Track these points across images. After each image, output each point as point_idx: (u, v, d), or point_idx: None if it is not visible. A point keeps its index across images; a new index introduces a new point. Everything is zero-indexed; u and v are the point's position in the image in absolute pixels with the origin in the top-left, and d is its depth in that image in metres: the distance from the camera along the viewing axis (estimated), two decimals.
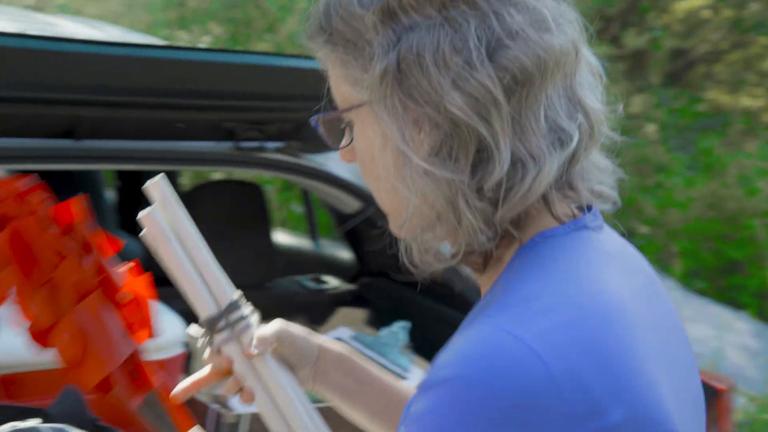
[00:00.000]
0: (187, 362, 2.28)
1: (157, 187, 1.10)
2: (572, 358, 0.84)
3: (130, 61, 2.25)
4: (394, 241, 0.97)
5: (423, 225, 0.92)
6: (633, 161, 7.19)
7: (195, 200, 3.04)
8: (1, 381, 1.82)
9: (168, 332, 2.14)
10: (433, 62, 0.88)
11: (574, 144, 0.91)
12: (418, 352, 2.51)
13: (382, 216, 1.00)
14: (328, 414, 1.92)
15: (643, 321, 0.93)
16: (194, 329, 1.11)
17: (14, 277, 0.99)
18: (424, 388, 0.85)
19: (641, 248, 6.36)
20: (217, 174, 4.88)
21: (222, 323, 1.08)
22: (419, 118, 0.90)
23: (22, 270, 1.00)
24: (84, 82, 2.20)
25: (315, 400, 2.16)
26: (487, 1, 0.89)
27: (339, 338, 2.45)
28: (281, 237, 3.59)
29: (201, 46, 7.02)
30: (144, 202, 3.82)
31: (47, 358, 1.86)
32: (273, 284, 3.03)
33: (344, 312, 2.85)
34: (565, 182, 0.93)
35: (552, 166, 0.89)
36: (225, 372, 1.11)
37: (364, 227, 2.77)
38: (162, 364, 2.09)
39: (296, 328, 1.14)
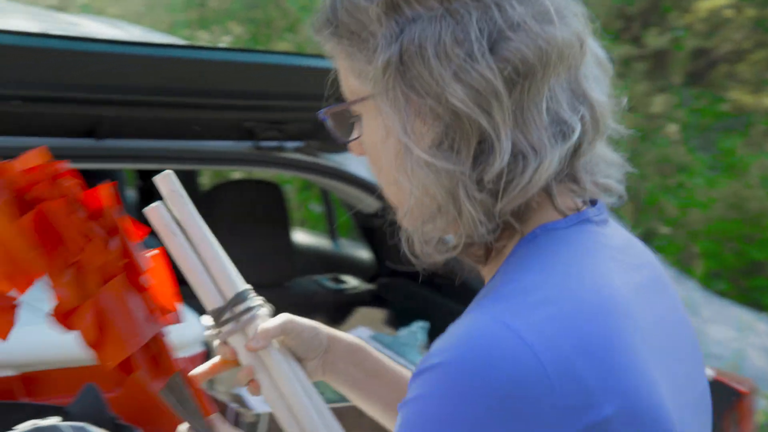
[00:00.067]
0: (205, 360, 2.28)
1: (165, 181, 1.12)
2: (565, 350, 0.84)
3: (151, 60, 2.26)
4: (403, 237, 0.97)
5: (424, 216, 0.93)
6: (654, 161, 7.16)
7: (215, 200, 3.05)
8: (21, 379, 1.83)
9: (187, 331, 2.15)
10: (435, 54, 0.88)
11: (576, 136, 0.91)
12: None
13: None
14: (342, 414, 1.92)
15: (645, 316, 0.92)
16: (205, 320, 1.12)
17: (41, 259, 1.00)
18: (416, 374, 0.86)
19: (662, 249, 6.33)
20: (237, 173, 4.90)
21: (227, 315, 1.09)
22: (421, 109, 0.90)
23: (49, 252, 1.01)
24: (105, 81, 2.21)
25: (329, 400, 2.16)
26: None
27: (358, 338, 2.45)
28: (300, 236, 3.59)
29: (221, 46, 7.04)
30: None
31: (67, 355, 1.88)
32: (292, 283, 3.04)
33: (363, 312, 2.85)
34: (568, 175, 0.93)
35: (553, 158, 0.89)
36: (234, 362, 1.13)
37: (383, 226, 2.77)
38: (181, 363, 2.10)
39: (303, 321, 1.14)
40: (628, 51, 7.88)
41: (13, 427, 1.57)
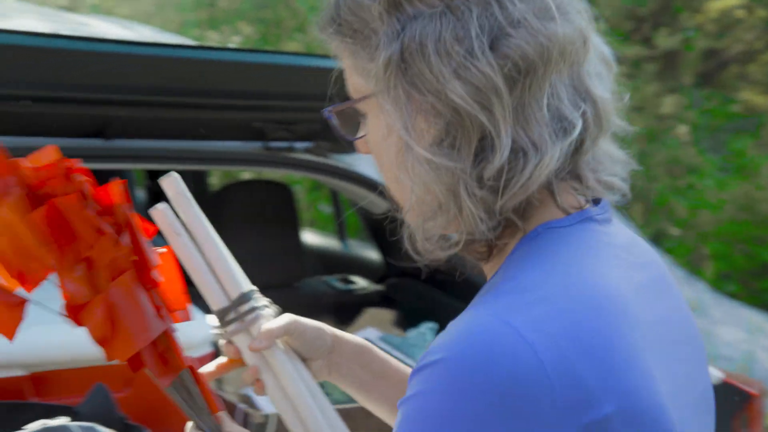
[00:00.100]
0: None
1: (169, 183, 1.13)
2: (564, 348, 0.84)
3: (160, 61, 2.26)
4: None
5: (426, 214, 0.93)
6: (664, 162, 7.14)
7: (224, 200, 3.06)
8: (31, 379, 1.84)
9: (197, 331, 2.15)
10: (435, 51, 0.89)
11: (576, 132, 0.91)
12: None
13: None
14: (350, 415, 1.92)
15: (646, 315, 0.92)
16: (211, 319, 1.13)
17: (52, 254, 1.00)
18: (416, 370, 0.86)
19: (671, 250, 6.32)
20: (247, 174, 4.90)
21: (231, 315, 1.10)
22: (422, 107, 0.90)
23: (60, 247, 1.01)
24: (115, 81, 2.22)
25: (337, 401, 2.16)
26: None
27: (367, 339, 2.45)
28: (309, 237, 3.59)
29: (231, 46, 7.05)
30: None
31: (77, 355, 1.88)
32: (301, 284, 3.04)
33: (372, 312, 2.85)
34: (570, 172, 0.93)
35: (554, 155, 0.89)
36: (241, 361, 1.13)
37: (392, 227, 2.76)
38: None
39: (307, 321, 1.14)
40: (638, 52, 7.87)
41: (23, 427, 1.57)
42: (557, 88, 0.90)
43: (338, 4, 0.94)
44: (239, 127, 2.47)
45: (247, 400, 2.21)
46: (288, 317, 1.13)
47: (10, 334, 1.02)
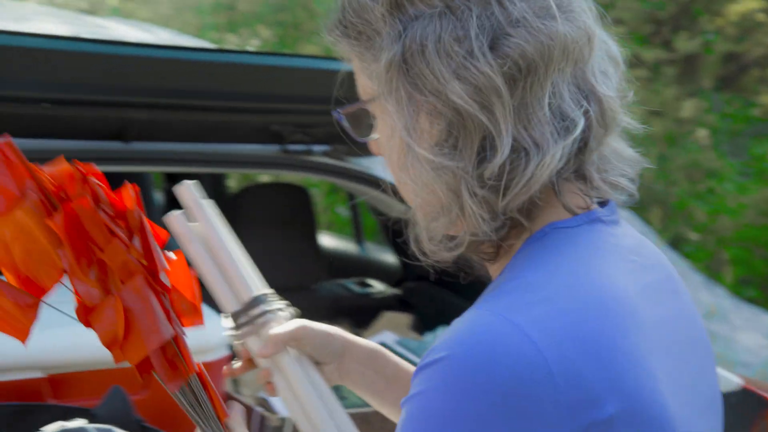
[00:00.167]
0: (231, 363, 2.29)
1: (183, 190, 1.16)
2: (568, 348, 0.83)
3: (179, 64, 2.26)
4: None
5: (430, 214, 0.93)
6: (684, 166, 7.10)
7: (242, 203, 3.06)
8: (48, 381, 1.84)
9: (212, 335, 2.15)
10: (435, 52, 0.89)
11: (578, 131, 0.90)
12: None
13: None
14: (367, 419, 1.91)
15: (652, 317, 0.92)
16: (225, 322, 1.15)
17: (66, 258, 1.01)
18: (419, 368, 0.86)
19: (691, 255, 6.28)
20: (264, 177, 4.91)
21: (243, 319, 1.12)
22: (424, 108, 0.90)
23: (75, 249, 1.01)
24: (134, 84, 2.22)
25: (352, 405, 2.16)
26: None
27: (383, 343, 2.45)
28: (327, 240, 3.59)
29: (249, 49, 7.07)
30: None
31: (94, 357, 1.88)
32: (318, 287, 3.04)
33: (389, 316, 2.84)
34: (576, 172, 0.93)
35: (556, 154, 0.89)
36: (253, 364, 1.15)
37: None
38: (207, 367, 2.10)
39: (316, 327, 1.15)
40: (658, 55, 7.83)
41: (40, 429, 1.57)
42: (559, 86, 0.90)
43: (344, 6, 0.95)
44: (257, 130, 2.47)
45: (264, 404, 2.21)
46: (297, 322, 1.13)
47: (23, 336, 1.02)
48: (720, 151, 7.39)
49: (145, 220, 1.06)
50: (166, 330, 1.02)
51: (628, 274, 0.93)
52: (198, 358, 2.12)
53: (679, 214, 6.80)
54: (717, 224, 6.67)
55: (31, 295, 1.02)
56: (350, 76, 0.99)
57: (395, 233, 2.98)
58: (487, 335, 0.83)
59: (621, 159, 0.96)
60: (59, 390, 1.85)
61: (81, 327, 1.04)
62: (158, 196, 3.66)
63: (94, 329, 1.02)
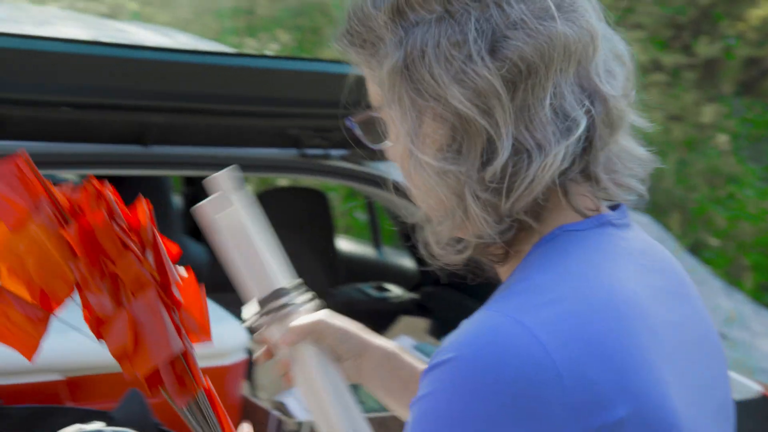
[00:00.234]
0: (249, 368, 2.29)
1: (213, 181, 1.17)
2: (577, 350, 0.83)
3: (198, 68, 2.27)
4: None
5: (437, 217, 0.94)
6: (704, 172, 7.06)
7: (260, 207, 3.06)
8: (66, 384, 1.85)
9: (230, 338, 2.16)
10: (435, 57, 0.89)
11: (580, 131, 0.90)
12: None
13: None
14: (385, 423, 1.91)
15: (661, 321, 0.91)
16: (245, 314, 1.15)
17: (78, 271, 1.02)
18: (428, 369, 0.86)
19: (710, 261, 6.24)
20: (283, 181, 4.92)
21: (265, 309, 1.13)
22: (426, 113, 0.91)
23: (88, 261, 1.02)
24: (153, 88, 2.23)
25: (371, 410, 2.16)
26: None
27: (400, 346, 2.45)
28: (345, 244, 3.59)
29: (268, 53, 7.09)
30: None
31: (112, 361, 1.89)
32: (335, 291, 3.04)
33: (406, 321, 2.84)
34: (584, 173, 0.92)
35: (558, 154, 0.89)
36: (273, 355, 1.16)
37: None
38: (224, 370, 2.11)
39: (335, 323, 1.15)
40: (678, 60, 7.79)
41: (58, 431, 1.58)
42: (561, 87, 0.90)
43: (349, 15, 0.96)
44: (276, 134, 2.48)
45: (281, 407, 2.21)
46: (317, 316, 1.14)
47: (31, 352, 1.03)
48: (740, 157, 7.34)
49: (158, 236, 1.07)
50: (175, 344, 1.03)
51: (639, 277, 0.93)
52: (215, 362, 2.13)
53: (698, 220, 6.76)
54: (737, 230, 6.62)
55: (41, 308, 1.03)
56: (362, 82, 1.00)
57: (411, 237, 2.98)
58: (496, 336, 0.83)
59: (631, 158, 0.96)
60: (77, 393, 1.85)
61: None
62: (177, 200, 3.67)
63: (105, 341, 1.03)
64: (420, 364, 1.19)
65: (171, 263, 1.07)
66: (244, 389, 2.21)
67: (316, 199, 3.10)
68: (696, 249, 6.44)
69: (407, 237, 3.05)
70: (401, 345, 2.45)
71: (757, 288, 6.18)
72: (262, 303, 1.13)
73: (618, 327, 0.87)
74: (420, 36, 0.90)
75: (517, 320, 0.84)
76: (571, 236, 0.92)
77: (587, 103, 0.91)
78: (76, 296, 1.04)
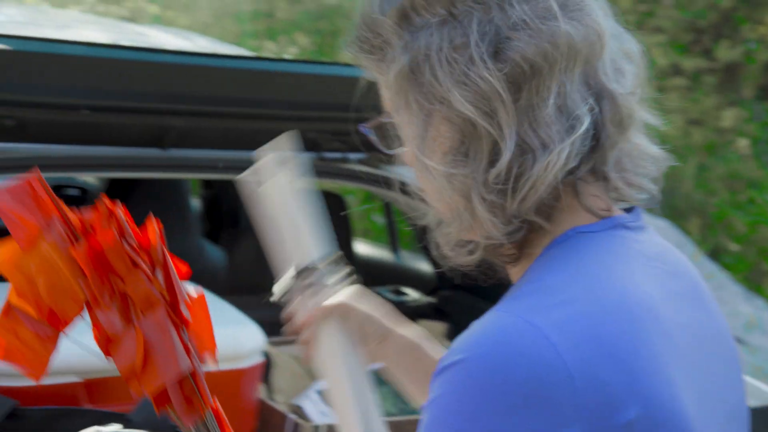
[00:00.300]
0: (266, 371, 2.29)
1: (262, 156, 1.19)
2: (588, 351, 0.83)
3: (217, 71, 2.28)
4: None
5: (445, 219, 0.94)
6: (724, 176, 7.02)
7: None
8: (84, 386, 1.86)
9: (247, 341, 2.16)
10: (438, 60, 0.89)
11: (582, 128, 0.89)
12: None
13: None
14: (402, 428, 1.91)
15: (674, 324, 0.91)
16: (276, 285, 1.16)
17: (88, 289, 1.02)
18: (438, 371, 0.86)
19: (730, 266, 6.20)
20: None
21: (296, 284, 1.14)
22: (434, 117, 0.91)
23: (98, 279, 1.03)
24: (173, 91, 2.24)
25: (388, 414, 2.15)
26: None
27: None
28: (362, 248, 3.59)
29: (287, 57, 7.10)
30: (228, 212, 3.83)
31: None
32: None
33: (423, 325, 2.83)
34: (593, 173, 0.92)
35: (562, 152, 0.88)
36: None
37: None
38: (241, 373, 2.11)
39: (361, 306, 1.16)
40: (698, 64, 7.75)
41: None
42: (566, 86, 0.89)
43: (359, 22, 0.96)
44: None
45: (298, 411, 2.21)
46: (343, 297, 1.14)
47: (39, 372, 1.03)
48: (761, 161, 7.29)
49: (168, 255, 1.07)
50: (184, 363, 1.03)
51: (652, 280, 0.92)
52: (232, 365, 2.13)
53: (718, 225, 6.72)
54: (757, 235, 6.58)
55: (51, 327, 1.03)
56: (378, 87, 1.01)
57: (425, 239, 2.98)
58: (506, 336, 0.83)
59: (643, 157, 0.95)
60: (95, 395, 1.86)
61: None
62: (195, 203, 3.68)
63: (113, 360, 1.03)
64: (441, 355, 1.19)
65: (180, 282, 1.08)
66: (260, 392, 2.22)
67: (334, 203, 3.10)
68: (716, 254, 6.40)
69: (424, 240, 3.05)
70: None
71: None
72: (292, 277, 1.14)
73: (630, 329, 0.86)
74: (424, 40, 0.90)
75: (528, 321, 0.84)
76: (583, 238, 0.92)
77: (591, 101, 0.90)
78: (86, 314, 1.05)
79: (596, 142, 0.91)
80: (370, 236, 5.56)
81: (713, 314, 0.99)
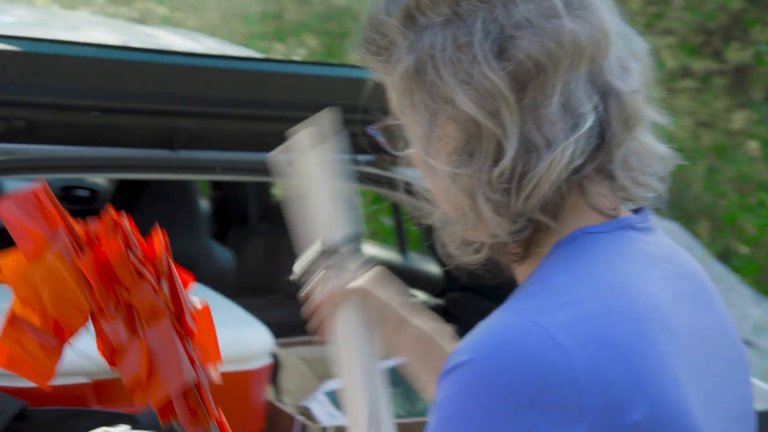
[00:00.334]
0: (273, 372, 2.29)
1: (298, 132, 1.20)
2: (594, 351, 0.83)
3: (226, 73, 2.28)
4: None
5: (453, 219, 0.94)
6: (733, 179, 7.00)
7: (288, 211, 3.07)
8: (92, 386, 1.86)
9: (255, 343, 2.16)
10: (443, 60, 0.90)
11: (586, 126, 0.89)
12: None
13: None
14: (408, 431, 1.90)
15: (681, 326, 0.91)
16: (298, 263, 1.18)
17: (94, 300, 1.02)
18: (444, 373, 0.85)
19: (740, 269, 6.18)
20: None
21: (318, 263, 1.15)
22: (440, 116, 0.91)
23: (103, 290, 1.03)
24: (182, 93, 2.25)
25: (396, 415, 2.15)
26: None
27: None
28: (371, 250, 3.59)
29: (295, 58, 7.11)
30: (236, 213, 3.81)
31: None
32: None
33: None
34: (599, 171, 0.91)
35: (566, 150, 0.88)
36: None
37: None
38: (249, 375, 2.11)
39: (379, 292, 1.16)
40: (708, 66, 7.73)
41: None
42: (571, 84, 0.89)
43: (366, 24, 0.97)
44: None
45: (306, 412, 2.21)
46: (363, 281, 1.15)
47: (45, 380, 1.03)
48: None
49: (173, 266, 1.08)
50: (188, 373, 1.03)
51: (660, 281, 0.92)
52: (240, 366, 2.13)
53: (728, 227, 6.70)
54: (767, 238, 6.55)
55: (55, 337, 1.03)
56: (375, 88, 1.01)
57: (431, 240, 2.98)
58: (511, 336, 0.83)
59: (650, 155, 0.95)
60: (103, 395, 1.86)
61: None
62: (204, 204, 3.68)
63: (118, 371, 1.03)
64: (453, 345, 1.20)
65: (185, 293, 1.08)
66: (268, 394, 2.22)
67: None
68: (725, 257, 6.38)
69: (430, 241, 3.04)
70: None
71: None
72: (316, 255, 1.15)
73: (637, 329, 0.86)
74: (429, 39, 0.90)
75: (534, 321, 0.84)
76: (590, 238, 0.91)
77: (596, 99, 0.90)
78: (90, 326, 1.05)
79: (602, 141, 0.91)
80: (378, 238, 5.56)
81: (720, 317, 0.99)
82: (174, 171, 2.37)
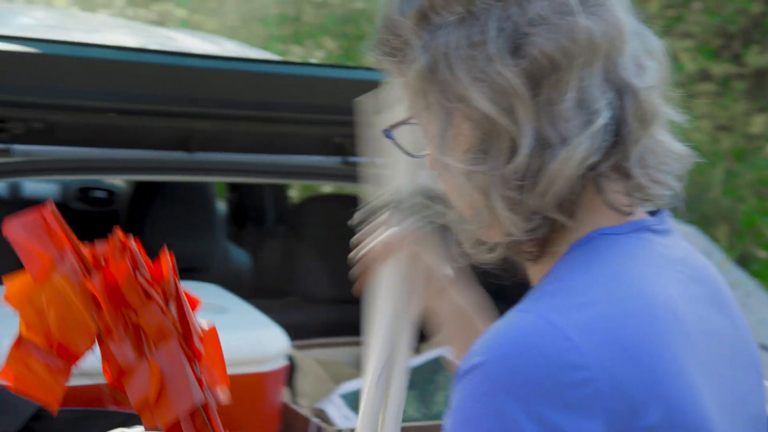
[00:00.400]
0: (289, 374, 2.29)
1: (392, 88, 1.19)
2: (609, 353, 0.82)
3: (243, 75, 2.29)
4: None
5: (468, 217, 0.94)
6: (753, 183, 6.96)
7: (303, 213, 3.08)
8: (109, 387, 1.86)
9: (271, 344, 2.16)
10: (458, 58, 0.90)
11: (600, 122, 0.89)
12: None
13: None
14: None
15: (698, 329, 0.91)
16: (362, 209, 1.20)
17: (102, 322, 1.03)
18: (459, 376, 0.85)
19: (758, 273, 6.14)
20: (326, 188, 4.93)
21: (380, 212, 1.17)
22: (455, 115, 0.91)
23: (111, 311, 1.03)
24: (199, 95, 2.25)
25: (410, 419, 2.14)
26: None
27: (442, 356, 2.43)
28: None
29: (313, 61, 7.12)
30: (253, 215, 3.82)
31: None
32: None
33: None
34: (615, 169, 0.91)
35: (580, 146, 0.88)
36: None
37: None
38: (265, 376, 2.11)
39: (428, 256, 1.16)
40: (727, 69, 7.69)
41: None
42: (586, 81, 0.89)
43: (380, 25, 0.97)
44: (319, 141, 2.49)
45: (321, 415, 2.21)
46: (417, 240, 1.14)
47: (54, 401, 1.03)
48: None
49: (181, 288, 1.08)
50: (197, 394, 1.03)
51: (676, 284, 0.92)
52: (256, 368, 2.13)
53: (747, 232, 6.66)
54: None
55: (62, 359, 1.03)
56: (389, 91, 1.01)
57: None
58: (526, 336, 0.83)
59: (667, 153, 0.95)
60: (120, 397, 1.87)
61: None
62: (221, 206, 3.69)
63: (126, 393, 1.03)
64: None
65: (193, 315, 1.08)
66: (284, 396, 2.22)
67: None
68: (744, 261, 6.34)
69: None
70: (443, 354, 2.44)
71: None
72: (381, 204, 1.16)
73: (652, 331, 0.86)
74: (443, 38, 0.90)
75: (549, 321, 0.83)
76: (606, 240, 0.91)
77: (611, 96, 0.90)
78: (96, 349, 1.05)
79: (618, 138, 0.90)
80: None
81: (736, 321, 0.99)
82: (191, 173, 2.37)
